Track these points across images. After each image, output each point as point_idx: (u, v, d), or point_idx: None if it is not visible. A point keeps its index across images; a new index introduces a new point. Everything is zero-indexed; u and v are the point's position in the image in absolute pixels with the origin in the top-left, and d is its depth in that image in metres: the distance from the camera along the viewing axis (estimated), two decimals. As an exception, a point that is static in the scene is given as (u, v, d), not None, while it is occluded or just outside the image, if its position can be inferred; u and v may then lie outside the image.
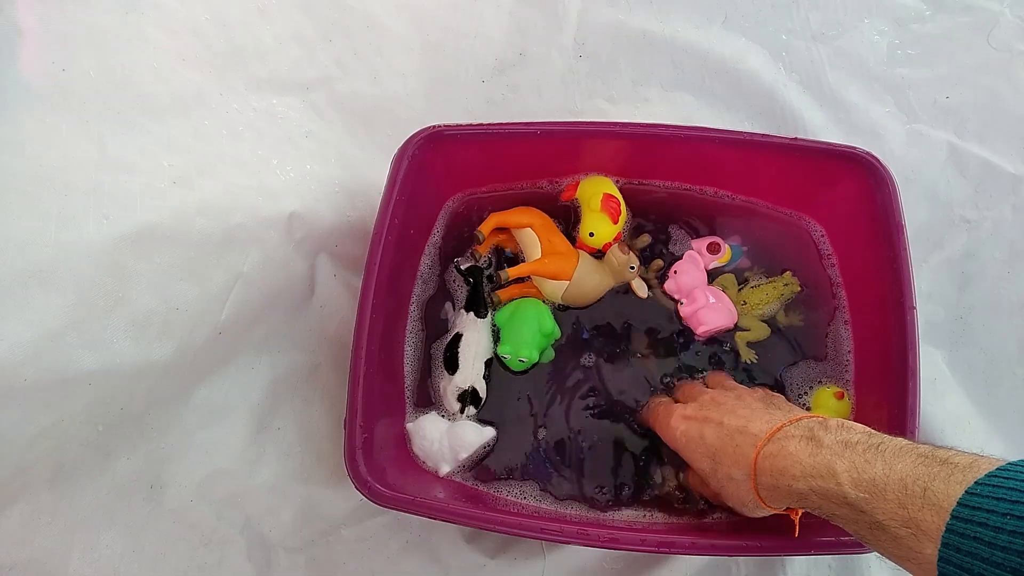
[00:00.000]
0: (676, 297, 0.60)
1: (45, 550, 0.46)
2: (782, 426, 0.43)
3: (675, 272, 0.60)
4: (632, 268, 0.58)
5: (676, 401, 0.54)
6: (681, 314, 0.59)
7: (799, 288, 0.60)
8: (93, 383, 0.46)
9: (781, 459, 0.41)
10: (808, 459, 0.39)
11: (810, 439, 0.40)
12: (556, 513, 0.54)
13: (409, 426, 0.56)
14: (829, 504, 0.38)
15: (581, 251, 0.59)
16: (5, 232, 0.42)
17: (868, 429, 0.40)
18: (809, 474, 0.39)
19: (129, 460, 0.51)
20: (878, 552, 0.37)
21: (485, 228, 0.59)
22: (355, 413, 0.50)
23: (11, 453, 0.44)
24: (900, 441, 0.37)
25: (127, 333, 0.47)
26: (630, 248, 0.59)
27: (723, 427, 0.46)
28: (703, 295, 0.58)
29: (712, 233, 0.62)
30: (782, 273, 0.61)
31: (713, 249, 0.60)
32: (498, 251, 0.62)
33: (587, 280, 0.58)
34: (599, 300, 0.60)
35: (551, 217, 0.61)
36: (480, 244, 0.59)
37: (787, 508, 0.43)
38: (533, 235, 0.59)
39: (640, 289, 0.59)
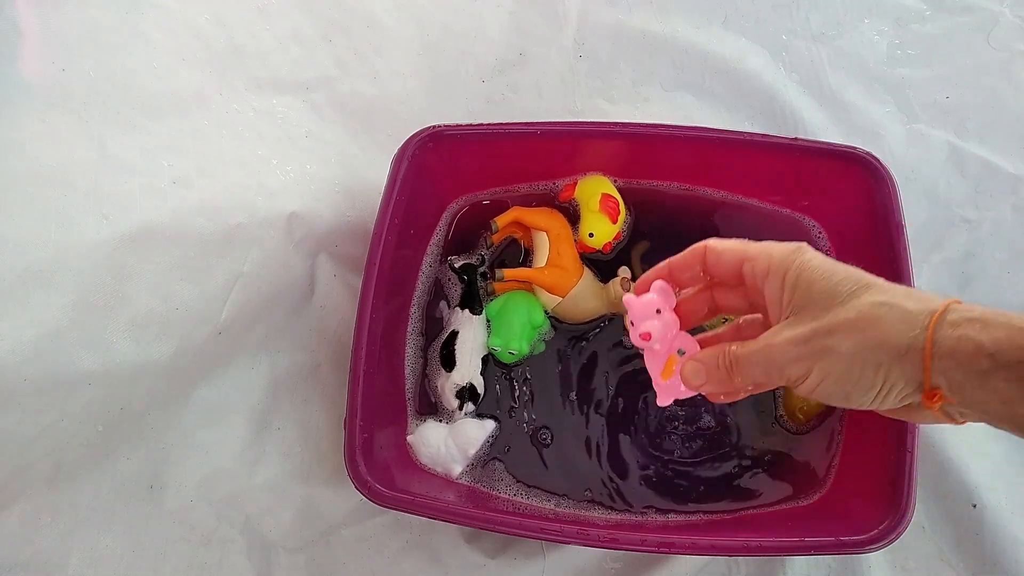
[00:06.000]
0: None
1: (45, 550, 0.46)
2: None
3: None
4: None
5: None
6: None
7: None
8: (93, 383, 0.46)
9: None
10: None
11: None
12: (556, 513, 0.54)
13: (410, 438, 0.56)
14: None
15: (586, 271, 0.59)
16: (5, 232, 0.42)
17: None
18: None
19: (129, 460, 0.50)
20: None
21: (503, 220, 0.59)
22: (355, 413, 0.50)
23: (11, 453, 0.44)
24: None
25: (127, 333, 0.47)
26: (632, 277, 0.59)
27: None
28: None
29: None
30: None
31: (626, 286, 0.57)
32: (512, 243, 0.62)
33: (581, 302, 0.58)
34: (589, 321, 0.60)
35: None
36: (494, 234, 0.60)
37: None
38: (545, 240, 0.59)
39: None
